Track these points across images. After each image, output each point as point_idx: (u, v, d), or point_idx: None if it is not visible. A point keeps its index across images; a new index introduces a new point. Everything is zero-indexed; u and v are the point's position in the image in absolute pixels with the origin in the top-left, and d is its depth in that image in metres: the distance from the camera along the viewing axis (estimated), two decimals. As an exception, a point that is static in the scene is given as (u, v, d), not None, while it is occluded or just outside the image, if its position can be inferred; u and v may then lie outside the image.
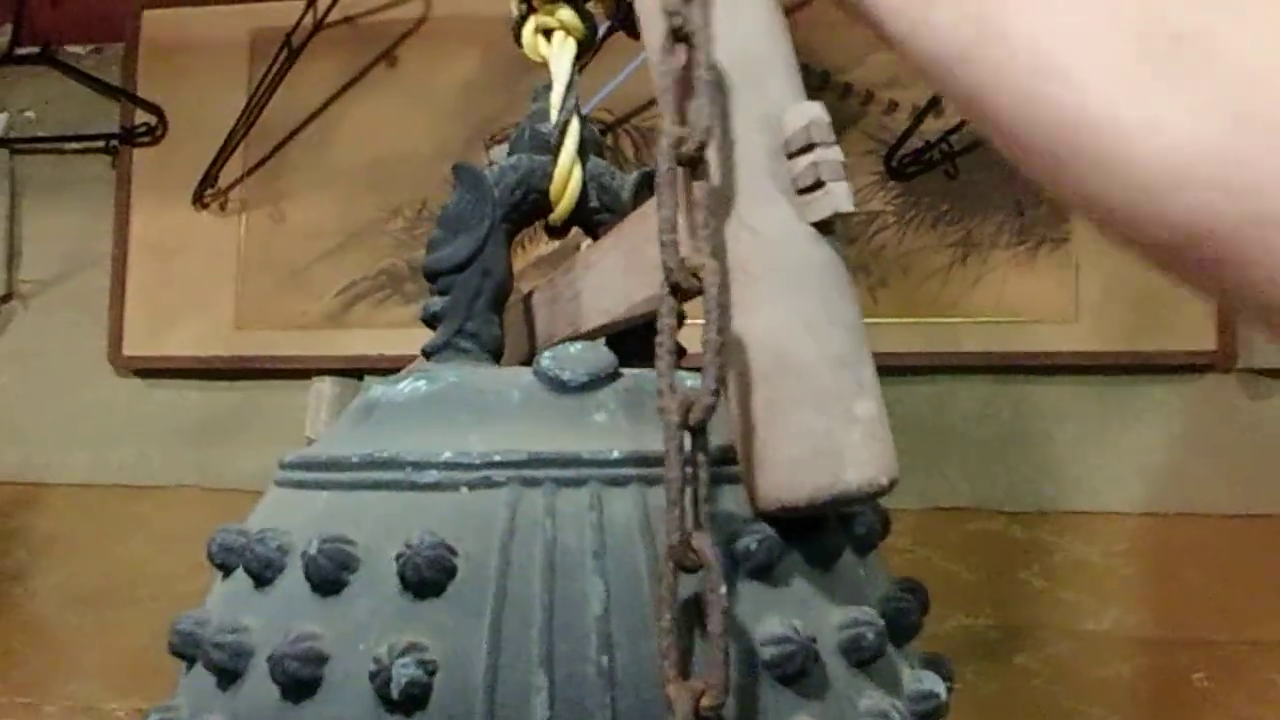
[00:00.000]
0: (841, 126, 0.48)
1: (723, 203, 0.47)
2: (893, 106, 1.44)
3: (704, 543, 0.42)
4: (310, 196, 1.58)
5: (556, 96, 0.64)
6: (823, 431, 0.45)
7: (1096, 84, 0.34)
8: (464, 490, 0.49)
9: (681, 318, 0.46)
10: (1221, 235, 0.32)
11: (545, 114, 0.64)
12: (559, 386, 0.53)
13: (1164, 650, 1.34)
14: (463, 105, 1.54)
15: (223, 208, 1.60)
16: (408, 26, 1.57)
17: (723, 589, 0.41)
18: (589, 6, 0.66)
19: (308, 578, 0.48)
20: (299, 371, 1.53)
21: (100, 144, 1.63)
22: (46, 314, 1.66)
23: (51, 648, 1.58)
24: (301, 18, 1.53)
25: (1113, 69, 0.34)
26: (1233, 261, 0.32)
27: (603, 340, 0.60)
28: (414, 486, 0.50)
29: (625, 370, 0.55)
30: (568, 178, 0.64)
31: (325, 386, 1.49)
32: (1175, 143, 0.32)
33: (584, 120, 0.65)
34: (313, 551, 0.48)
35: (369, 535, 0.49)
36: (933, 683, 0.51)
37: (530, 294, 0.73)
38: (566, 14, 0.65)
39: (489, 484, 0.49)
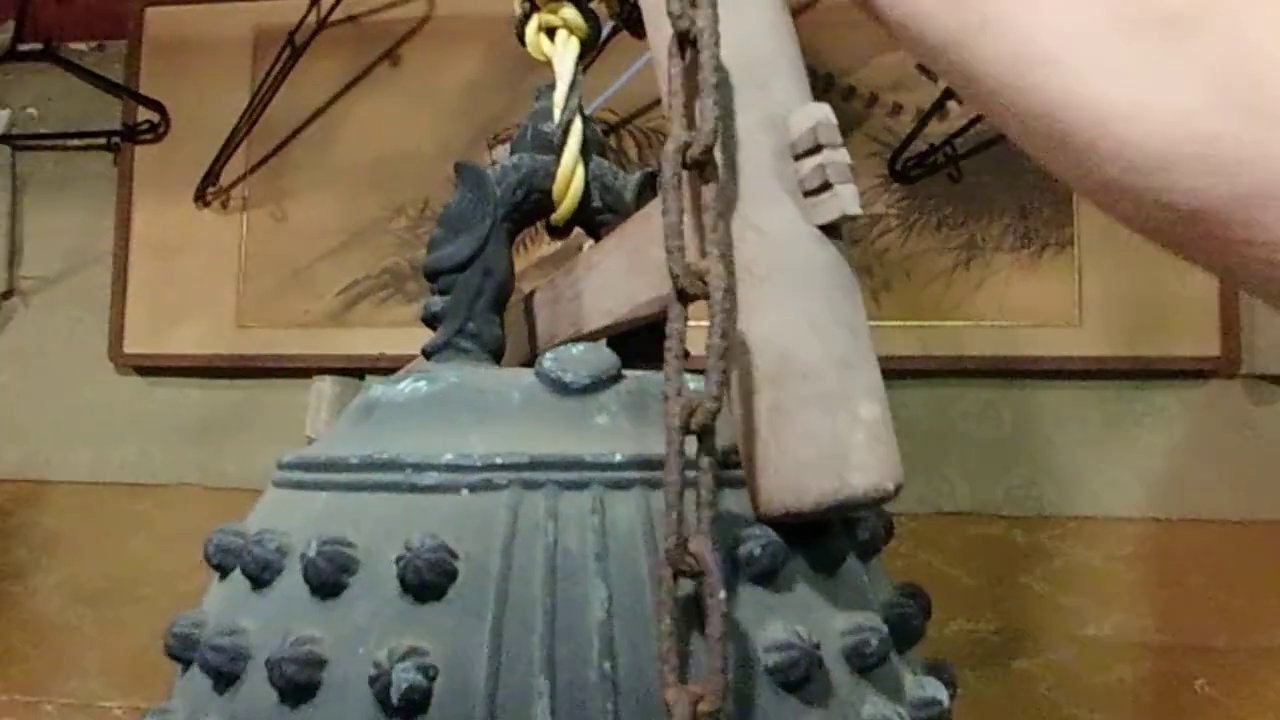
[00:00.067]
0: (846, 129, 0.48)
1: (728, 203, 0.47)
2: (897, 109, 1.44)
3: (702, 547, 0.41)
4: (312, 195, 1.57)
5: (560, 96, 0.64)
6: (828, 434, 0.45)
7: (1084, 68, 0.35)
8: (465, 492, 0.48)
9: (684, 319, 0.46)
10: (1211, 213, 0.33)
11: (548, 113, 0.64)
12: (561, 388, 0.53)
13: (1166, 656, 1.34)
14: (466, 104, 1.54)
15: (225, 206, 1.59)
16: (411, 25, 1.57)
17: (722, 594, 0.40)
18: (592, 6, 0.66)
19: (306, 580, 0.48)
20: (301, 370, 1.53)
21: (102, 141, 1.62)
22: (48, 311, 1.66)
23: (52, 646, 1.58)
24: (305, 16, 1.53)
25: (1098, 53, 0.34)
26: (1226, 238, 0.33)
27: (605, 341, 0.59)
28: (414, 488, 0.49)
29: (628, 372, 0.54)
30: (570, 177, 0.63)
31: (326, 386, 1.48)
32: (1161, 123, 0.33)
33: (587, 120, 0.64)
34: (312, 553, 0.47)
35: (369, 537, 0.48)
36: (935, 689, 0.51)
37: (532, 294, 0.73)
38: (570, 13, 0.64)
39: (490, 486, 0.48)
